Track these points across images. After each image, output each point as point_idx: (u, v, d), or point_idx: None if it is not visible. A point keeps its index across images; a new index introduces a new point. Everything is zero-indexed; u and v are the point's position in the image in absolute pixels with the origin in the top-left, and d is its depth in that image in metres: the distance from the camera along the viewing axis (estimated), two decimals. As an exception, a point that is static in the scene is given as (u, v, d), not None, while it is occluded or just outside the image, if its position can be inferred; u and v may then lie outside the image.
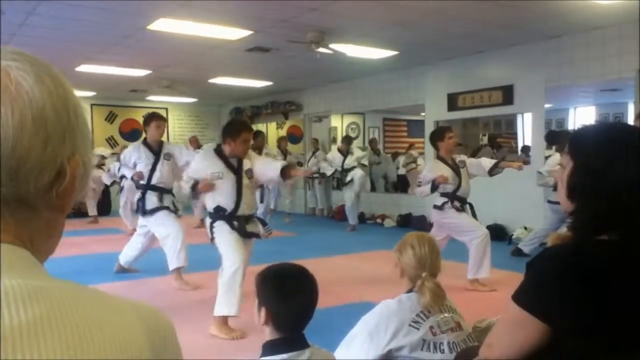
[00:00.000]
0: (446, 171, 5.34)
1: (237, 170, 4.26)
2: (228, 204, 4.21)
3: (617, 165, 1.24)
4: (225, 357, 3.54)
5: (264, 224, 4.47)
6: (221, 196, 4.21)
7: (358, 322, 2.23)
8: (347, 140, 10.69)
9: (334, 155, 10.36)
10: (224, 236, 4.16)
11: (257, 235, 4.40)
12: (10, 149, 0.54)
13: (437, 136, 5.55)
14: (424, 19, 6.39)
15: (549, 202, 6.81)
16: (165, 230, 5.52)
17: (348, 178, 9.87)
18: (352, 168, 9.90)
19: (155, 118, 5.73)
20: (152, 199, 5.61)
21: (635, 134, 1.34)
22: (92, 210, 10.90)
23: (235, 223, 4.21)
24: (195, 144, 10.71)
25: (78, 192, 0.62)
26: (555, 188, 6.04)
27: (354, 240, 8.53)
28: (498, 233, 7.94)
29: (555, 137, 7.10)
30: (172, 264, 5.46)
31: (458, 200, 5.43)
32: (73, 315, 0.52)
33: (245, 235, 4.25)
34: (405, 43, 7.66)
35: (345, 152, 10.15)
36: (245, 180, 4.28)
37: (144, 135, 5.98)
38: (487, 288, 5.25)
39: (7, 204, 0.56)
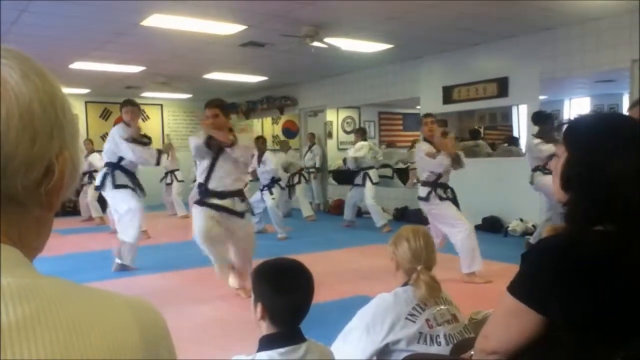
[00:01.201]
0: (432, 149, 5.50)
1: (219, 148, 4.67)
2: (203, 179, 4.74)
3: (614, 156, 1.24)
4: (222, 353, 3.54)
5: (252, 212, 4.91)
6: (201, 170, 4.78)
7: (355, 316, 2.24)
8: (362, 132, 9.75)
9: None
10: (197, 209, 4.72)
11: (236, 213, 4.73)
12: None
13: (419, 123, 5.84)
14: (418, 12, 6.38)
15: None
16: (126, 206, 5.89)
17: (357, 180, 9.19)
18: (370, 167, 9.12)
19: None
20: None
21: (632, 124, 1.33)
22: (97, 211, 10.25)
23: (214, 200, 4.67)
24: None
25: (67, 189, 0.61)
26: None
27: (350, 235, 8.54)
28: (494, 225, 7.96)
29: (541, 117, 6.89)
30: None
31: (440, 187, 5.49)
32: (65, 312, 0.52)
33: (216, 208, 4.65)
34: (399, 36, 7.64)
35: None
36: (225, 156, 4.68)
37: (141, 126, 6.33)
38: (482, 280, 5.26)
39: None
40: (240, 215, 4.77)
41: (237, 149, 4.68)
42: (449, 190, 5.53)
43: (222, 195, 4.69)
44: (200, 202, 4.72)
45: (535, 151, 6.33)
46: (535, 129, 6.70)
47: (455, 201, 5.53)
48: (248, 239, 4.90)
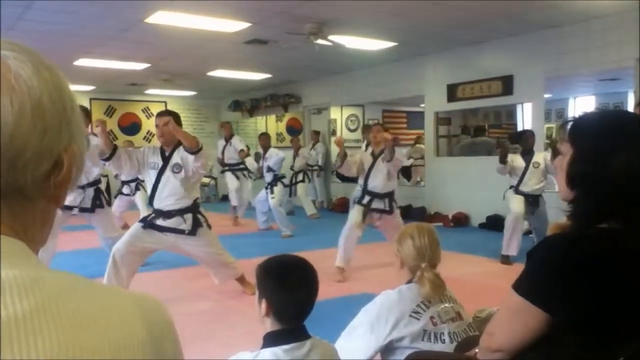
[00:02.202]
0: (364, 158, 5.64)
1: (165, 162, 4.37)
2: (148, 196, 4.49)
3: (619, 153, 1.23)
4: (226, 350, 3.54)
5: (197, 224, 4.39)
6: (148, 186, 4.46)
7: (359, 313, 2.24)
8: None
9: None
10: (137, 225, 4.42)
11: (175, 231, 4.37)
12: (9, 139, 0.54)
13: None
14: (422, 9, 6.37)
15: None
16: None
17: None
18: None
19: None
20: None
21: (636, 122, 1.33)
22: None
23: (159, 220, 4.35)
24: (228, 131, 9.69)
25: (73, 183, 0.62)
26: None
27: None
28: (497, 223, 7.94)
29: (517, 136, 6.90)
30: None
31: (369, 194, 5.56)
32: (70, 305, 0.51)
33: (152, 227, 4.35)
34: (404, 34, 7.63)
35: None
36: (168, 174, 4.33)
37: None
38: (340, 277, 5.35)
39: (4, 194, 0.56)
40: (189, 232, 4.38)
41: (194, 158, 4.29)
42: (385, 200, 5.68)
43: (169, 214, 4.35)
44: (144, 221, 4.41)
45: None
46: (537, 128, 6.73)
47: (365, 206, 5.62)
48: (204, 252, 4.57)
